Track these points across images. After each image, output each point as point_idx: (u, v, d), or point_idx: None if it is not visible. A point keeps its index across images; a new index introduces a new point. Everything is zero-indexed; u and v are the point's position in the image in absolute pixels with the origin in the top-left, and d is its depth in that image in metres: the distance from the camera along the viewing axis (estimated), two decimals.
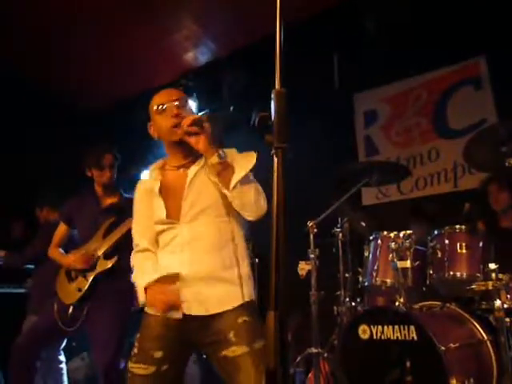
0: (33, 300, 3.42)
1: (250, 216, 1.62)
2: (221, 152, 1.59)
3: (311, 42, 4.12)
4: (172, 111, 1.68)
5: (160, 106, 1.71)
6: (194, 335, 1.59)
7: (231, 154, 1.68)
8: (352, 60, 4.20)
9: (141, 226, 1.80)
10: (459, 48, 3.79)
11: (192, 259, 1.61)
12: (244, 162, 1.60)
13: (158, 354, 1.57)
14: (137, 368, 1.58)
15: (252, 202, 1.59)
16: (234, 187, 1.56)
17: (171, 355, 1.59)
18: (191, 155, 1.73)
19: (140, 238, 1.78)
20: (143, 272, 1.69)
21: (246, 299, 1.61)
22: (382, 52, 4.01)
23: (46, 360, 3.20)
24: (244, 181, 1.58)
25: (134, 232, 1.82)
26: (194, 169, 1.70)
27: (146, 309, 1.68)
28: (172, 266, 1.62)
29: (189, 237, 1.63)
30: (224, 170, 1.59)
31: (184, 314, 1.57)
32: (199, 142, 1.59)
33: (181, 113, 1.68)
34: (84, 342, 3.44)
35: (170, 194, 1.70)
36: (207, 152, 1.60)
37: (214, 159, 1.58)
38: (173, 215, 1.66)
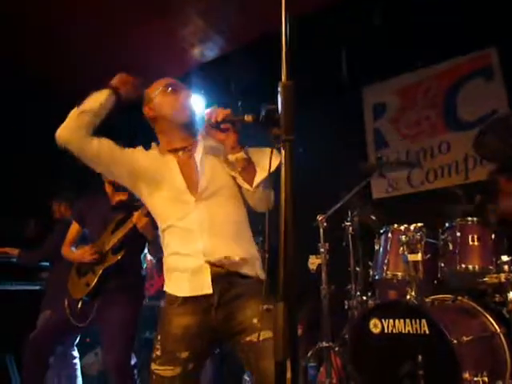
0: (48, 296, 3.46)
1: (262, 210, 1.64)
2: (245, 148, 1.61)
3: (319, 35, 4.10)
4: (184, 94, 1.75)
5: (170, 87, 1.76)
6: (217, 330, 1.59)
7: (248, 148, 1.68)
8: (360, 52, 4.17)
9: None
10: (469, 39, 3.74)
11: (212, 237, 1.60)
12: (268, 161, 1.54)
13: (184, 355, 1.56)
14: (163, 370, 1.56)
15: (270, 200, 1.63)
16: (257, 186, 1.59)
17: (196, 353, 1.60)
18: (188, 138, 1.76)
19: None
20: None
21: (261, 277, 1.63)
22: (390, 44, 3.97)
23: (60, 356, 3.25)
24: (267, 180, 1.60)
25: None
26: (199, 150, 1.72)
27: (164, 303, 1.67)
28: (190, 242, 1.61)
29: (207, 214, 1.62)
30: (247, 166, 1.61)
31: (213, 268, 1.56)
32: (229, 139, 1.59)
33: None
34: (98, 337, 3.47)
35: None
36: (234, 148, 1.60)
37: (241, 155, 1.59)
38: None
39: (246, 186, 1.62)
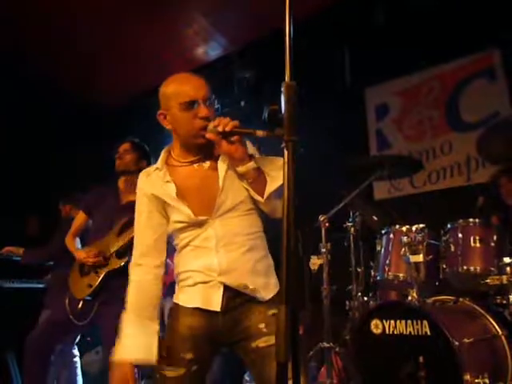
0: (50, 295, 3.46)
1: (278, 217, 1.57)
2: (254, 158, 1.55)
3: (322, 36, 4.10)
4: (202, 112, 1.54)
5: (187, 103, 1.54)
6: (223, 335, 1.58)
7: (257, 157, 1.61)
8: (363, 53, 4.17)
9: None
10: (472, 39, 3.73)
11: (228, 254, 1.56)
12: (279, 171, 1.51)
13: (189, 356, 1.56)
14: (167, 370, 1.56)
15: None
16: (269, 197, 1.53)
17: (200, 356, 1.58)
18: (203, 152, 1.64)
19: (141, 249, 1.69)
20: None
21: (277, 289, 1.61)
22: (393, 45, 3.97)
23: (60, 354, 3.25)
24: (278, 190, 1.53)
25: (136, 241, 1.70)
26: (222, 165, 1.60)
27: (172, 306, 1.65)
28: (205, 258, 1.58)
29: (222, 231, 1.58)
30: (258, 177, 1.54)
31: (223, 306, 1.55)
32: (238, 151, 1.50)
33: (211, 114, 1.55)
34: (99, 336, 3.47)
35: (192, 191, 1.61)
36: (243, 160, 1.52)
37: (252, 165, 1.52)
38: (202, 211, 1.58)
39: (257, 197, 1.56)
